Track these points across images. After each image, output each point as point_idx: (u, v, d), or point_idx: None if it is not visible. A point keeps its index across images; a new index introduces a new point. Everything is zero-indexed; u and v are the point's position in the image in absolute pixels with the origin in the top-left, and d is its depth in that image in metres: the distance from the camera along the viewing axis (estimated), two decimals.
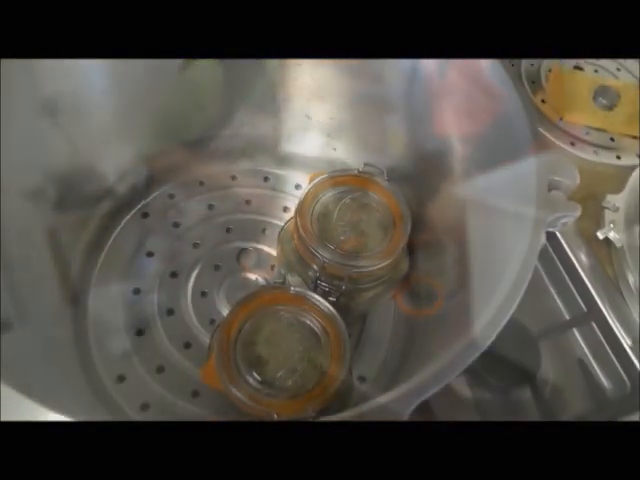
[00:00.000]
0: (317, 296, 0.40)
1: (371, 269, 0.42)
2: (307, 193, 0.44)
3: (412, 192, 0.46)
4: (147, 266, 0.50)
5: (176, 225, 0.52)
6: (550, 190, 0.32)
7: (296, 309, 0.41)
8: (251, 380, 0.38)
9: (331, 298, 0.42)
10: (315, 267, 0.42)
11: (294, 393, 0.38)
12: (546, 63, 0.68)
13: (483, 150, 0.37)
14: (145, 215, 0.53)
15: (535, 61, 0.69)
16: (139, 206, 0.53)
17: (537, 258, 0.29)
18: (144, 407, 0.44)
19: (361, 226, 0.44)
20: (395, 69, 0.43)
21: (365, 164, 0.45)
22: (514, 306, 0.27)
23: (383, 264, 0.42)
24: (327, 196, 0.45)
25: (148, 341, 0.46)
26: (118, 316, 0.47)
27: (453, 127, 0.40)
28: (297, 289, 0.41)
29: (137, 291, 0.48)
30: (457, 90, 0.38)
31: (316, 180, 0.45)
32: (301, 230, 0.42)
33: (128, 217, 0.52)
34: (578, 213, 0.31)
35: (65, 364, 0.43)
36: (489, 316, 0.27)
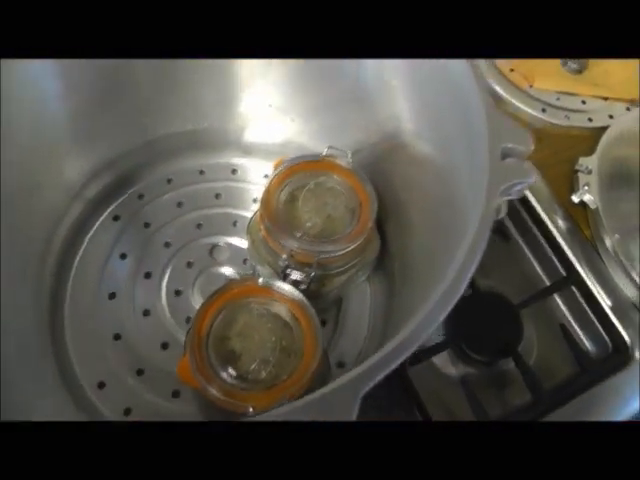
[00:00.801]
0: (285, 285, 0.40)
1: (340, 253, 0.42)
2: (271, 182, 0.44)
3: (378, 172, 0.45)
4: (121, 269, 0.49)
5: (147, 225, 0.52)
6: (505, 158, 0.31)
7: (266, 299, 0.40)
8: (225, 376, 0.38)
9: (302, 286, 0.42)
10: (284, 256, 0.42)
11: (269, 384, 0.38)
12: None
13: (436, 126, 0.36)
14: (116, 218, 0.52)
15: None
16: (109, 209, 0.53)
17: (490, 229, 0.29)
18: (127, 412, 0.43)
19: (327, 210, 0.44)
20: None
21: (328, 147, 0.45)
22: (464, 285, 0.27)
23: (351, 247, 0.42)
24: (292, 183, 0.44)
25: (126, 344, 0.46)
26: (95, 322, 0.47)
27: (405, 106, 0.39)
28: (265, 280, 0.40)
29: (112, 295, 0.48)
30: (405, 68, 0.38)
31: (279, 168, 0.44)
32: (266, 220, 0.42)
33: (99, 221, 0.52)
34: (533, 179, 0.30)
35: (44, 374, 0.43)
36: (436, 298, 0.26)
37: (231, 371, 0.38)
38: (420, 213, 0.42)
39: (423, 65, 0.35)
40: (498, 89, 0.62)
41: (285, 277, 0.42)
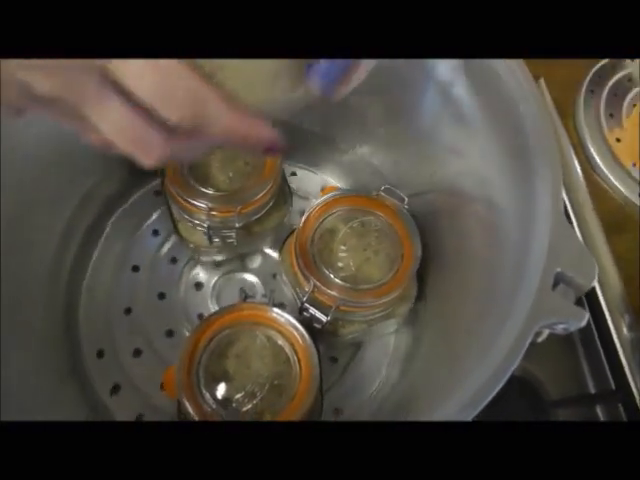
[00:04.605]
0: (296, 321, 0.37)
1: (365, 307, 0.38)
2: (313, 209, 0.41)
3: (430, 221, 0.42)
4: (150, 244, 0.48)
5: None
6: (557, 284, 0.27)
7: (273, 331, 0.38)
8: (208, 397, 0.36)
9: (316, 325, 0.39)
10: (306, 289, 0.39)
11: (249, 418, 0.36)
12: (632, 95, 0.60)
13: (500, 212, 0.32)
14: (157, 193, 0.50)
15: (619, 90, 0.60)
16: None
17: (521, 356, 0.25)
18: (115, 389, 0.43)
19: (367, 253, 0.40)
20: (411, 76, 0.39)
21: (385, 188, 0.41)
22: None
23: (381, 301, 0.38)
24: (335, 215, 0.41)
25: (133, 320, 0.45)
26: (110, 293, 0.46)
27: (477, 172, 0.35)
28: (278, 310, 0.38)
29: (136, 268, 0.47)
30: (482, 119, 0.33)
31: (326, 196, 0.41)
32: (297, 248, 0.39)
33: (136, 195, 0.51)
34: (583, 323, 0.26)
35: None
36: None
37: (217, 392, 0.36)
38: (461, 280, 0.38)
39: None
40: (597, 159, 0.56)
41: (302, 310, 0.40)
